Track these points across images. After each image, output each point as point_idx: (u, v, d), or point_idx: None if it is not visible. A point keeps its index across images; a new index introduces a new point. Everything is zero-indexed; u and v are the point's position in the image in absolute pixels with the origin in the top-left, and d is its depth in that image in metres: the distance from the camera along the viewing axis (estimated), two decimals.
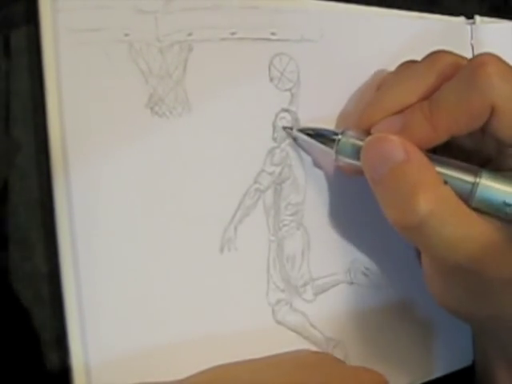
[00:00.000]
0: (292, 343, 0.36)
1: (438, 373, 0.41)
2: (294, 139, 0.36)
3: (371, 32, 0.39)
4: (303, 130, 0.35)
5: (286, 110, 0.36)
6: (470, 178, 0.31)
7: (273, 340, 0.35)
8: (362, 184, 0.38)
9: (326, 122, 0.37)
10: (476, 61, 0.31)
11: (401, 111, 0.33)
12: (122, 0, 0.31)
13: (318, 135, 0.35)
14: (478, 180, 0.31)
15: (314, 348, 0.36)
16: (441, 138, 0.32)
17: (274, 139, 0.36)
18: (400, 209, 0.31)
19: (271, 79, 0.36)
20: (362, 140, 0.33)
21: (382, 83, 0.36)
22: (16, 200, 0.30)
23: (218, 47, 0.34)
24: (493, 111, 0.31)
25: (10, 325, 0.29)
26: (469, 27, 0.43)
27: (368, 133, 0.33)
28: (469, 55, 0.42)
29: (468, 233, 0.30)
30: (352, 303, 0.37)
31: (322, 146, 0.34)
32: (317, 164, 0.37)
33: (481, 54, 0.31)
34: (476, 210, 0.31)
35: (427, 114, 0.31)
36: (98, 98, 0.31)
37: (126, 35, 0.31)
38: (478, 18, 0.43)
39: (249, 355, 0.34)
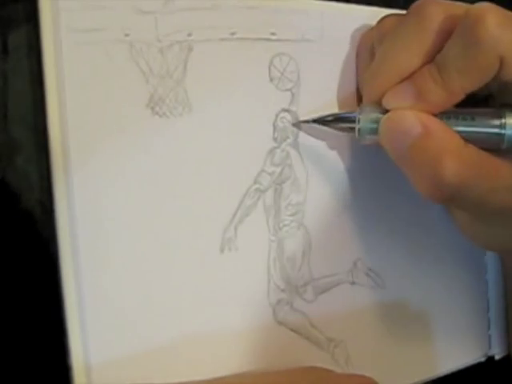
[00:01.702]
0: (293, 344, 0.36)
1: (439, 372, 0.41)
2: (296, 133, 0.36)
3: None
4: (320, 120, 0.35)
5: (287, 110, 0.36)
6: (495, 122, 0.31)
7: (274, 340, 0.35)
8: (364, 183, 0.38)
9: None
10: (473, 14, 0.30)
11: (406, 77, 0.32)
12: (122, 0, 0.31)
13: (337, 120, 0.35)
14: (503, 121, 0.31)
15: (314, 348, 0.36)
16: (456, 98, 0.31)
17: (275, 139, 0.36)
18: (428, 183, 0.31)
19: (271, 79, 0.36)
20: (381, 112, 0.33)
21: (378, 49, 0.34)
22: (16, 200, 0.30)
23: (217, 47, 0.34)
24: (502, 62, 0.30)
25: (11, 326, 0.29)
26: None
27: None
28: None
29: (500, 184, 0.31)
30: (353, 303, 0.37)
31: (342, 132, 0.35)
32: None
33: (476, 6, 0.30)
34: (509, 150, 0.31)
35: (437, 78, 0.31)
36: (98, 98, 0.31)
37: (127, 35, 0.31)
38: None
39: (249, 355, 0.34)
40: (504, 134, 0.31)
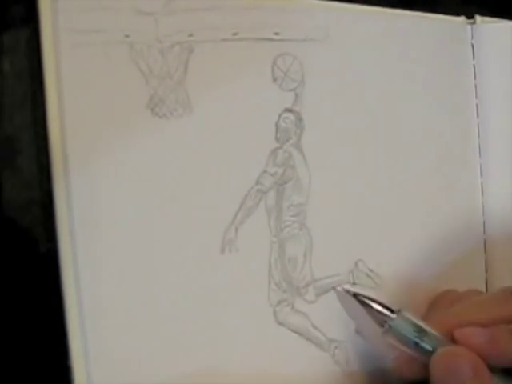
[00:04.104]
0: (293, 344, 0.35)
1: None
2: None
3: (374, 32, 0.39)
4: (358, 296, 0.34)
5: (290, 111, 0.36)
6: None
7: (274, 341, 0.35)
8: (366, 185, 0.38)
9: (330, 121, 0.37)
10: None
11: (480, 326, 0.33)
12: (122, 1, 0.31)
13: (373, 306, 0.34)
14: None
15: (315, 349, 0.36)
16: None
17: (277, 140, 0.36)
18: None
19: (274, 79, 0.36)
20: (416, 326, 0.33)
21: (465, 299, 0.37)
22: (16, 200, 0.30)
23: (219, 48, 0.34)
24: None
25: (11, 328, 0.30)
26: (469, 27, 0.43)
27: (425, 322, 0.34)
28: (469, 55, 0.43)
29: None
30: None
31: (373, 320, 0.34)
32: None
33: None
34: None
35: None
36: (98, 99, 0.31)
37: (127, 36, 0.31)
38: (478, 17, 0.43)
39: (250, 356, 0.34)
40: None
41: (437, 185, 0.41)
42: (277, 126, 0.36)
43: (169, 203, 0.32)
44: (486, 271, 0.42)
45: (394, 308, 0.34)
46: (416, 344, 0.33)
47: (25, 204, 0.30)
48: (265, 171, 0.35)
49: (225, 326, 0.33)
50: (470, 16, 0.43)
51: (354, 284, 0.37)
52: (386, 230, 0.39)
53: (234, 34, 0.34)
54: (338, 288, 0.35)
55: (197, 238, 0.33)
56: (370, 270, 0.38)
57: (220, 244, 0.34)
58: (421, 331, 0.33)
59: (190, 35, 0.33)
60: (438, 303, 0.38)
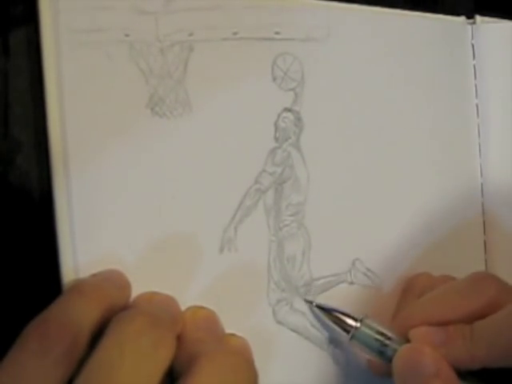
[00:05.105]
0: (293, 343, 0.36)
1: None
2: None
3: (374, 31, 0.39)
4: (321, 307, 0.36)
5: (289, 110, 0.36)
6: None
7: (273, 340, 0.35)
8: (364, 184, 0.38)
9: (329, 121, 0.37)
10: None
11: (439, 324, 0.33)
12: (123, 0, 0.31)
13: (336, 316, 0.35)
14: None
15: (315, 348, 0.36)
16: (475, 366, 0.32)
17: (276, 139, 0.36)
18: None
19: (274, 79, 0.36)
20: (380, 333, 0.34)
21: (425, 293, 0.36)
22: (16, 200, 0.30)
23: (219, 47, 0.34)
24: None
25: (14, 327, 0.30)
26: (469, 27, 0.43)
27: (391, 328, 0.35)
28: (469, 55, 0.43)
29: None
30: (352, 303, 0.37)
31: (337, 328, 0.35)
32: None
33: None
34: None
35: (468, 341, 0.32)
36: (98, 98, 0.31)
37: (127, 35, 0.31)
38: (478, 17, 0.43)
39: None
40: None
41: (437, 184, 0.41)
42: (276, 125, 0.36)
43: (168, 202, 0.32)
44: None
45: (357, 316, 0.35)
46: (379, 351, 0.34)
47: (24, 204, 0.30)
48: (263, 170, 0.35)
49: (224, 326, 0.33)
50: (470, 16, 0.43)
51: (351, 283, 0.37)
52: (384, 230, 0.39)
53: (234, 33, 0.34)
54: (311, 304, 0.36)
55: (196, 237, 0.33)
56: (368, 269, 0.38)
57: (219, 243, 0.34)
58: (384, 337, 0.34)
59: (190, 34, 0.33)
60: (410, 291, 0.38)
